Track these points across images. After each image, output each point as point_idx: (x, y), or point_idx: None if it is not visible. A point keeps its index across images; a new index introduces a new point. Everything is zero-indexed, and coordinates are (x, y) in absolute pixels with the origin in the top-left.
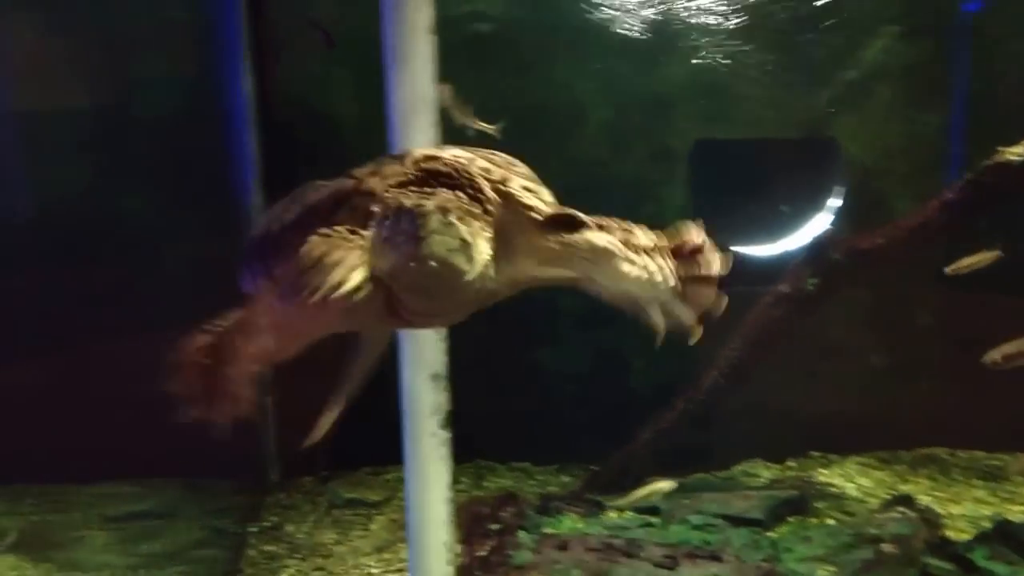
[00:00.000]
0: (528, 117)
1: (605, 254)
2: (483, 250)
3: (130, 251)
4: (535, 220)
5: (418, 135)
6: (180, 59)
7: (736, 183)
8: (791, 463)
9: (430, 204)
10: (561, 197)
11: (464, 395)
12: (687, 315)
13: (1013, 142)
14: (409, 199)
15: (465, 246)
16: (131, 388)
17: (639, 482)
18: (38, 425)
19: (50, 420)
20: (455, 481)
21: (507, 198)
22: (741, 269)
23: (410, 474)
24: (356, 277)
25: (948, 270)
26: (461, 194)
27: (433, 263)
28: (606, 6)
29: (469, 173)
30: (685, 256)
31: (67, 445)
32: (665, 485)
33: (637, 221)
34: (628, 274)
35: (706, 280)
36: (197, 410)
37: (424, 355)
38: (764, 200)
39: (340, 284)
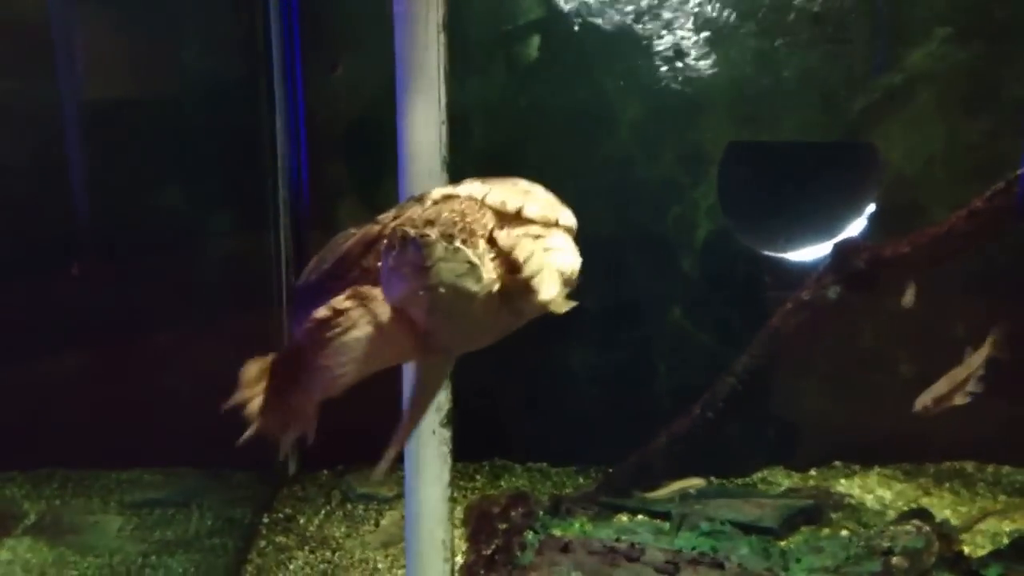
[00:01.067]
0: (562, 119)
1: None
2: (491, 269)
3: (165, 248)
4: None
5: (424, 128)
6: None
7: (769, 186)
8: (813, 472)
9: (434, 233)
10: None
11: (484, 394)
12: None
13: None
14: (415, 228)
15: (473, 268)
16: (162, 379)
17: (654, 486)
18: (68, 412)
19: (81, 408)
20: (470, 479)
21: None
22: (774, 274)
23: (410, 471)
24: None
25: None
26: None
27: (443, 289)
28: (637, 10)
29: (479, 209)
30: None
31: (95, 432)
32: (697, 481)
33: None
34: None
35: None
36: (258, 426)
37: None
38: (798, 204)
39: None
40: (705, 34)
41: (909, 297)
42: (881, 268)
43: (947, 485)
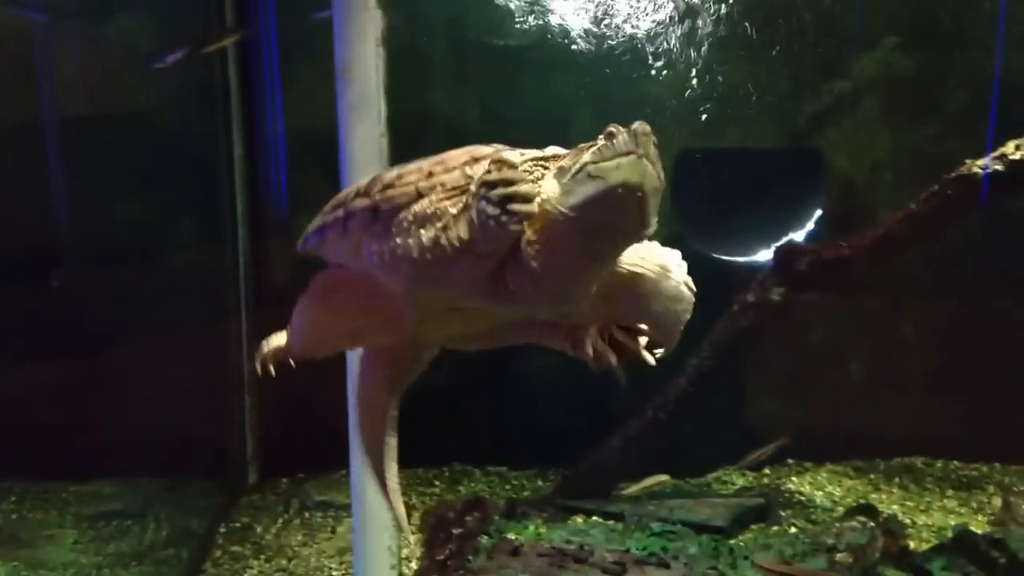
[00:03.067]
0: (516, 129)
1: None
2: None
3: (121, 260)
4: None
5: (364, 139)
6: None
7: (718, 192)
8: (767, 471)
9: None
10: None
11: (442, 399)
12: None
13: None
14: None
15: (661, 175)
16: (120, 390)
17: (610, 488)
18: (27, 424)
19: (40, 419)
20: (429, 485)
21: None
22: (727, 277)
23: (355, 478)
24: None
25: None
26: None
27: (653, 181)
28: (589, 20)
29: None
30: None
31: (54, 444)
32: (664, 478)
33: None
34: None
35: None
36: None
37: None
38: (748, 209)
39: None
40: (657, 42)
41: None
42: (823, 270)
43: (896, 481)
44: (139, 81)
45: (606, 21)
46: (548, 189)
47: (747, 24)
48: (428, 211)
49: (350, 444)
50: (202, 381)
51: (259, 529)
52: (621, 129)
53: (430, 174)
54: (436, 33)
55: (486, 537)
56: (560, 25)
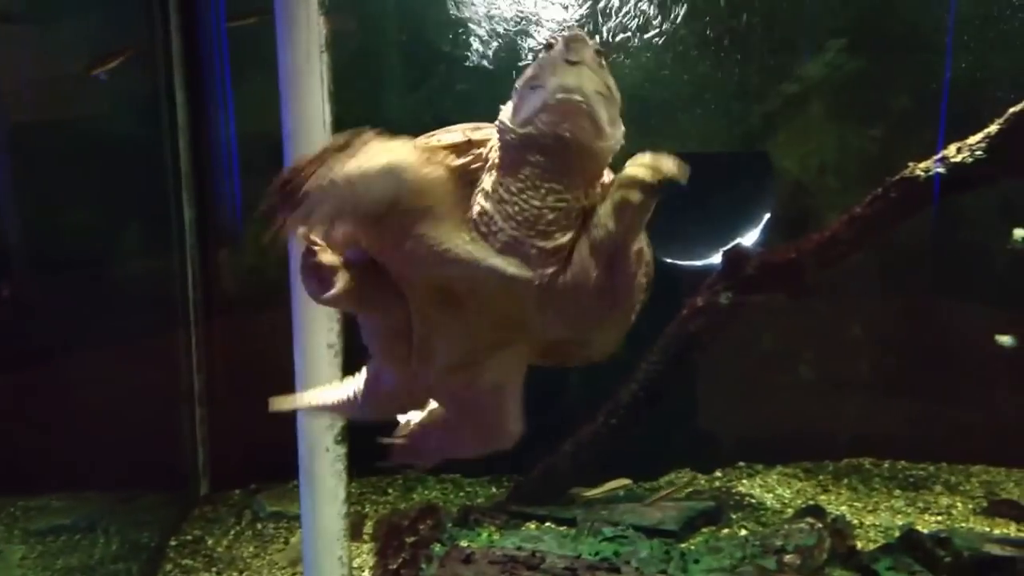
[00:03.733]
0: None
1: None
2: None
3: (67, 268)
4: None
5: (310, 147)
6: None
7: (667, 196)
8: (718, 473)
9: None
10: None
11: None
12: None
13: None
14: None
15: (612, 93)
16: (68, 401)
17: (563, 493)
18: None
19: None
20: (383, 493)
21: None
22: (678, 281)
23: (305, 489)
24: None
25: None
26: None
27: (578, 97)
28: (537, 24)
29: None
30: None
31: (2, 458)
32: (626, 481)
33: None
34: None
35: None
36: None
37: (317, 370)
38: (695, 213)
39: None
40: (609, 47)
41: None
42: (771, 273)
43: (845, 481)
44: (84, 88)
45: (559, 28)
46: (502, 114)
47: (697, 27)
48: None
49: (300, 452)
50: (152, 392)
51: (210, 541)
52: (558, 38)
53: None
54: (386, 39)
55: (439, 545)
56: (512, 31)
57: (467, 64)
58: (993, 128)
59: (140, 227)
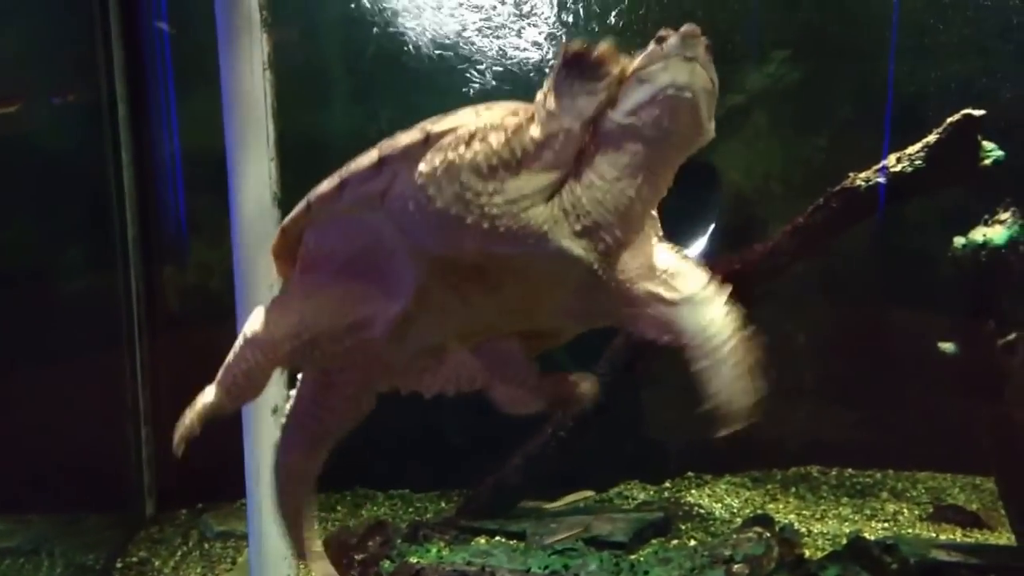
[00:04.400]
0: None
1: None
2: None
3: (11, 286)
4: None
5: (254, 164)
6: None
7: None
8: (667, 484)
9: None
10: None
11: None
12: None
13: None
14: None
15: (714, 87)
16: (8, 422)
17: (512, 507)
18: None
19: None
20: (331, 510)
21: None
22: None
23: (252, 509)
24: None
25: None
26: None
27: (688, 94)
28: (480, 39)
29: None
30: None
31: None
32: (588, 493)
33: None
34: None
35: None
36: None
37: (262, 429)
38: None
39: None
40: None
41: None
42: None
43: (793, 490)
44: (23, 102)
45: (508, 39)
46: (540, 98)
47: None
48: (490, 123)
49: (247, 473)
50: (96, 411)
51: (157, 563)
52: (671, 32)
53: (477, 113)
54: (331, 52)
55: (388, 562)
56: (459, 43)
57: (412, 76)
58: (932, 138)
59: (82, 244)
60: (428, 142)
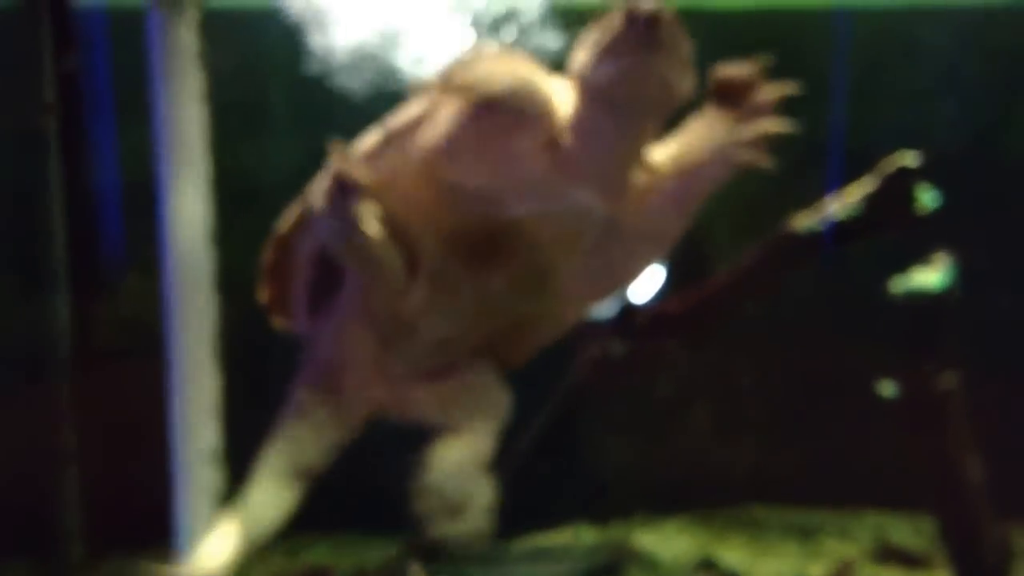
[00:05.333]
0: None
1: None
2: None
3: None
4: None
5: (190, 198)
6: None
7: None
8: (615, 525)
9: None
10: None
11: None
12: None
13: None
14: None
15: (686, 66)
16: None
17: (459, 548)
18: None
19: None
20: (265, 559)
21: None
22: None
23: (187, 551)
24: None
25: None
26: None
27: (663, 72)
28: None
29: None
30: None
31: None
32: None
33: None
34: None
35: None
36: None
37: (198, 429)
38: None
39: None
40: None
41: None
42: (663, 324)
43: (739, 529)
44: None
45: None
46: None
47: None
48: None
49: (181, 515)
50: (18, 451)
51: None
52: (639, 13)
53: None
54: (270, 83)
55: None
56: (403, 70)
57: (351, 108)
58: (871, 183)
59: (8, 277)
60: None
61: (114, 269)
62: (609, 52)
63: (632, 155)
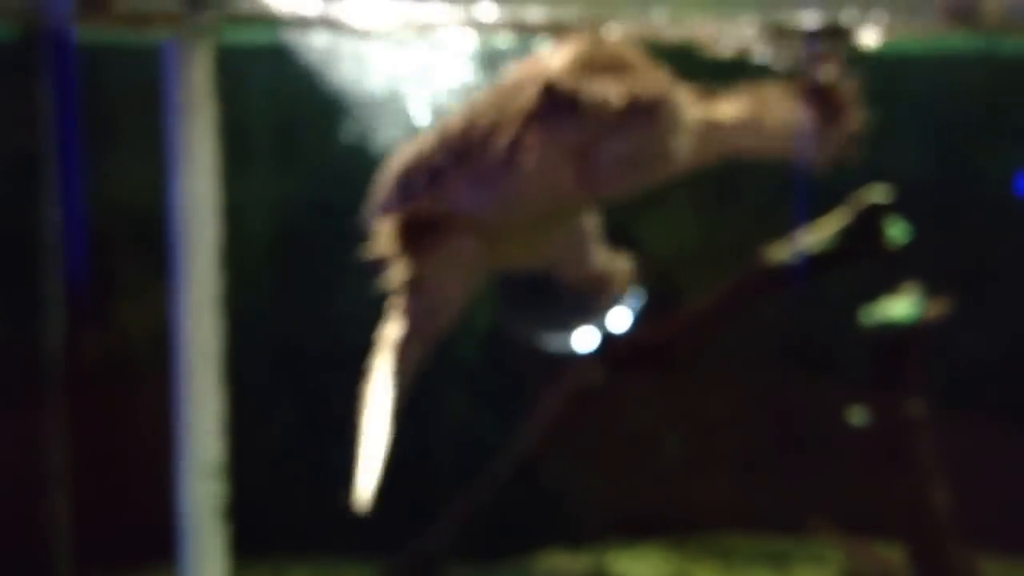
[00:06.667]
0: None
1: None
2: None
3: None
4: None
5: (203, 227)
6: None
7: (539, 281)
8: (590, 550)
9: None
10: None
11: (264, 486)
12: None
13: None
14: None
15: (678, 124)
16: None
17: (436, 572)
18: None
19: None
20: None
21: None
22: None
23: (187, 571)
24: None
25: None
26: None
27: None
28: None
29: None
30: None
31: None
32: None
33: None
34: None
35: None
36: None
37: (200, 446)
38: (564, 297)
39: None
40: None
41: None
42: (640, 354)
43: (713, 556)
44: None
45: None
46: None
47: None
48: None
49: (181, 533)
50: (10, 475)
51: None
52: (636, 97)
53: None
54: (272, 116)
55: None
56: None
57: (346, 142)
58: (841, 217)
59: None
60: None
61: (106, 298)
62: (614, 130)
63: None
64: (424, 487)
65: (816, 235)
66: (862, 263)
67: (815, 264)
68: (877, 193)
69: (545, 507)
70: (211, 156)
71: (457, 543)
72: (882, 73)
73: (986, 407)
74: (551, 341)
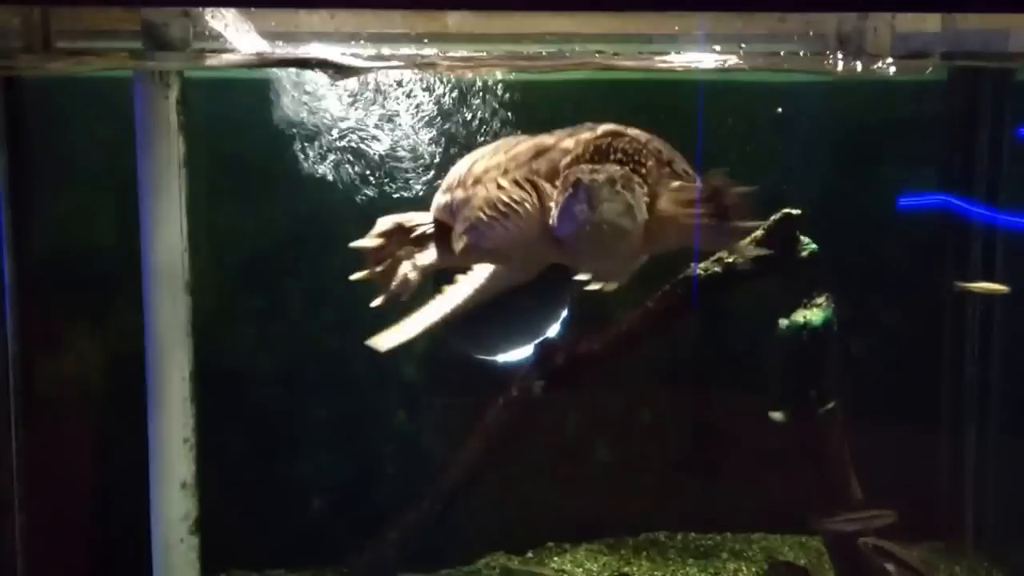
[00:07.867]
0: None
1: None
2: (643, 210)
3: None
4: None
5: (168, 257)
6: None
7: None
8: (530, 554)
9: (601, 177)
10: None
11: (216, 502)
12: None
13: None
14: (584, 174)
15: (629, 209)
16: None
17: None
18: None
19: None
20: None
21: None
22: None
23: None
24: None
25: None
26: (627, 166)
27: (604, 226)
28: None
29: (642, 151)
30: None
31: None
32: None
33: None
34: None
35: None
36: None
37: (173, 463)
38: (501, 313)
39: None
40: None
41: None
42: (576, 364)
43: (644, 554)
44: None
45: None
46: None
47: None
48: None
49: (154, 548)
50: None
51: None
52: (580, 183)
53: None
54: (242, 150)
55: None
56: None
57: (320, 178)
58: (758, 233)
59: None
60: None
61: (61, 325)
62: (564, 214)
63: (620, 262)
64: (373, 499)
65: (733, 250)
66: (777, 273)
67: (736, 275)
68: (789, 212)
69: (487, 513)
70: (177, 190)
71: (404, 553)
72: (775, 101)
73: (874, 405)
74: (492, 354)
